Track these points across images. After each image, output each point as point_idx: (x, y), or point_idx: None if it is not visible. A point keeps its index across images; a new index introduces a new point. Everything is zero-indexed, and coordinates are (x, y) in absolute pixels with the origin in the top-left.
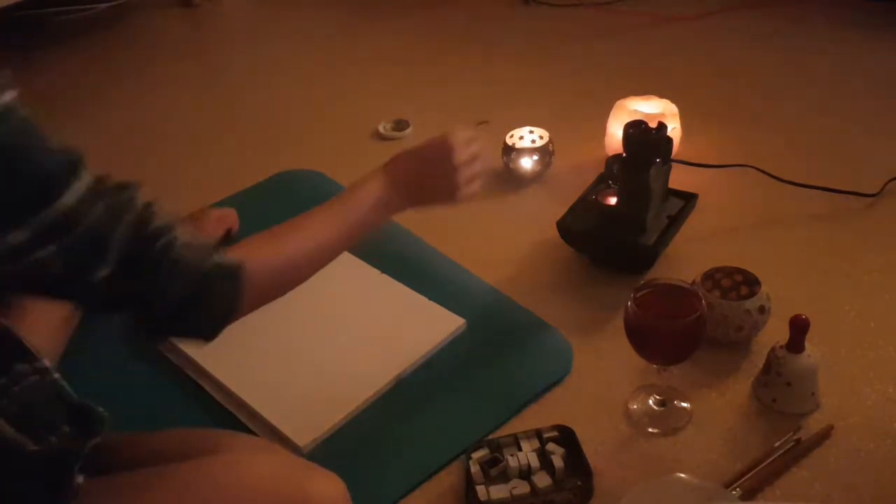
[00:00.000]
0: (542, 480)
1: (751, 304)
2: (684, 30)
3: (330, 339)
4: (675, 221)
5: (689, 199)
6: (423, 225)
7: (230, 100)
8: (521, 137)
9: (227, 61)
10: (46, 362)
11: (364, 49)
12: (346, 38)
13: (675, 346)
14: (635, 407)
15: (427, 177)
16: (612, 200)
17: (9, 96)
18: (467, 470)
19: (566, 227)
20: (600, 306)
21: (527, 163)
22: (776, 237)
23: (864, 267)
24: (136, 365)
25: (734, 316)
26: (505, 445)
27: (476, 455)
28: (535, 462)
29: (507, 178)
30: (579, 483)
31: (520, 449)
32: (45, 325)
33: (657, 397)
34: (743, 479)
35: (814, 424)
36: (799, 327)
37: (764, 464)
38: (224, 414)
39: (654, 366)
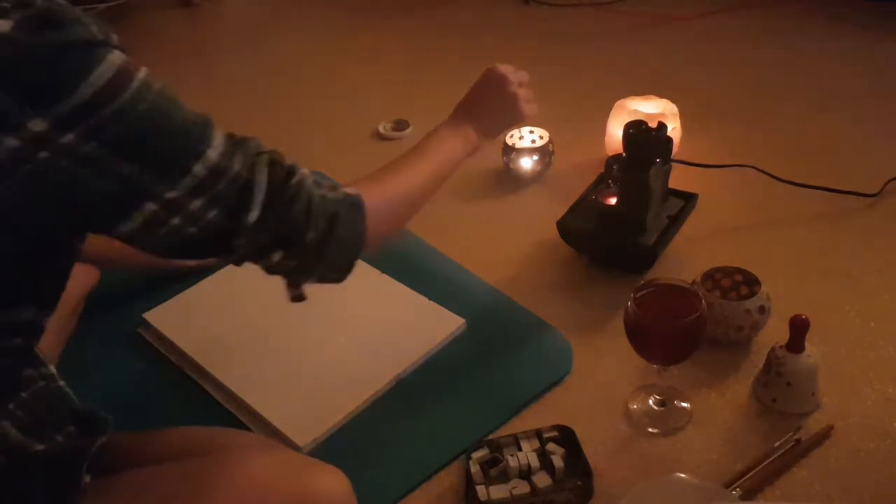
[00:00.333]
0: (542, 480)
1: (751, 304)
2: (684, 30)
3: (330, 340)
4: (675, 221)
5: (689, 199)
6: (423, 225)
7: (230, 100)
8: (521, 137)
9: (227, 61)
10: (52, 368)
11: (364, 49)
12: (347, 37)
13: (675, 346)
14: (635, 407)
15: (493, 102)
16: (612, 200)
17: (143, 72)
18: (467, 470)
19: (566, 227)
20: (600, 306)
21: (527, 163)
22: (776, 237)
23: (864, 267)
24: (136, 365)
25: (734, 316)
26: (505, 445)
27: (476, 455)
28: (535, 462)
29: (507, 178)
30: (579, 483)
31: (520, 449)
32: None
33: (657, 397)
34: (743, 479)
35: (814, 424)
36: (799, 327)
37: (764, 464)
38: (224, 414)
39: (654, 366)
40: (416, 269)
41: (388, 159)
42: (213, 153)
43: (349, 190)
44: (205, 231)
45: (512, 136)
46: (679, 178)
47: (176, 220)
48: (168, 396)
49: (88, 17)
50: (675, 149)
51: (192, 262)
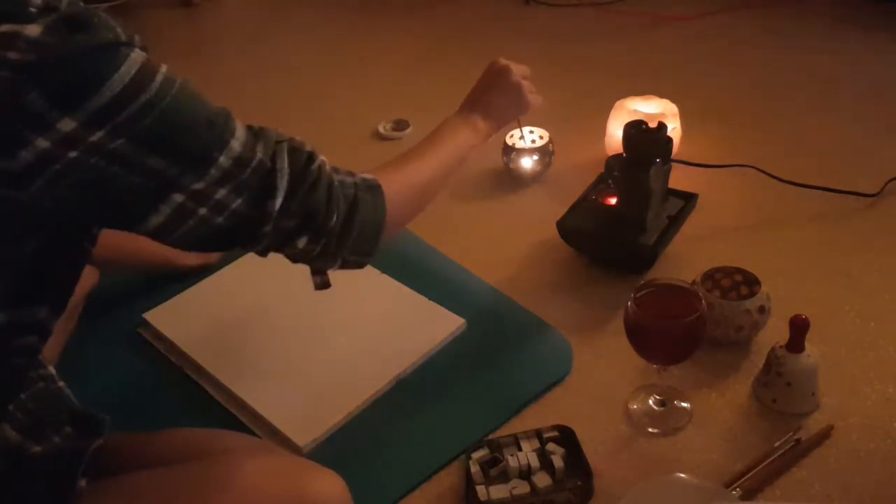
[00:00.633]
0: (542, 480)
1: (751, 304)
2: (684, 30)
3: (330, 339)
4: (675, 221)
5: (689, 199)
6: (423, 225)
7: (230, 99)
8: (521, 137)
9: (227, 61)
10: (51, 369)
11: (364, 49)
12: (346, 37)
13: (675, 346)
14: (635, 407)
15: (498, 92)
16: (612, 200)
17: (164, 69)
18: (467, 470)
19: (566, 227)
20: (600, 306)
21: (527, 163)
22: (776, 237)
23: (864, 267)
24: (136, 365)
25: (734, 316)
26: (505, 445)
27: (476, 455)
28: (535, 462)
29: (507, 178)
30: (579, 483)
31: (520, 449)
32: None
33: (657, 397)
34: (743, 479)
35: (814, 424)
36: (799, 327)
37: (764, 464)
38: (224, 414)
39: (654, 366)
40: (416, 269)
41: (388, 159)
42: (237, 143)
43: (367, 175)
44: (231, 220)
45: (512, 136)
46: (679, 178)
47: (203, 211)
48: (168, 396)
49: (111, 17)
50: (675, 149)
51: (192, 263)
